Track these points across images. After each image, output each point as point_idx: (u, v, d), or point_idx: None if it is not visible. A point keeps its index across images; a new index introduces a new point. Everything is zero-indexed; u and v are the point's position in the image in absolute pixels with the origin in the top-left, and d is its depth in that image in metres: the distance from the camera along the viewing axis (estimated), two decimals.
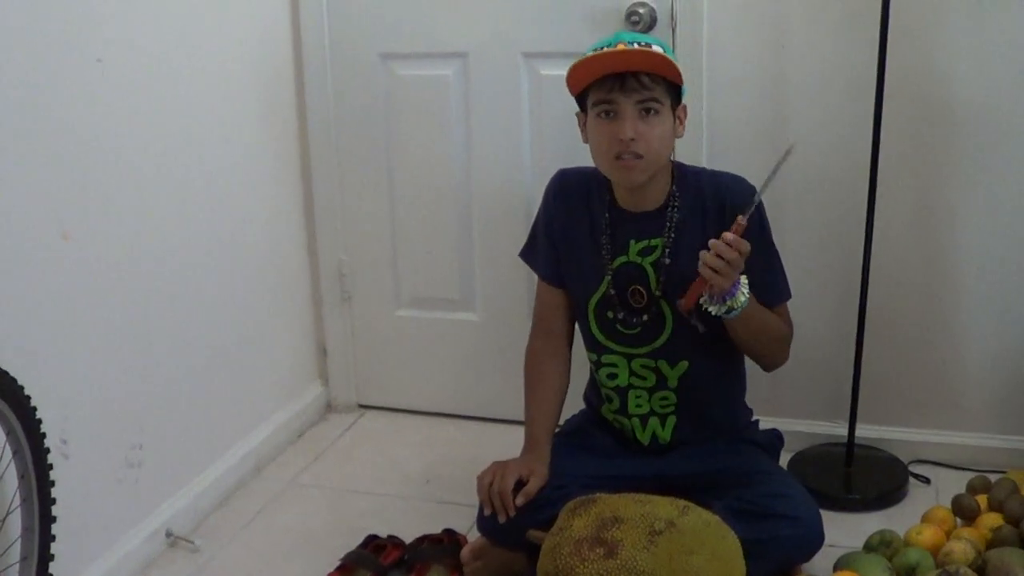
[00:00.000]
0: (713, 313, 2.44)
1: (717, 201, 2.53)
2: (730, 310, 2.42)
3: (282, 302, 3.42)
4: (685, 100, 2.52)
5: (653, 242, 2.56)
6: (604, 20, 3.07)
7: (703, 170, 2.65)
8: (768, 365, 2.65)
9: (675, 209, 2.54)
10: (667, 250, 2.54)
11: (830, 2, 2.93)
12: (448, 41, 3.28)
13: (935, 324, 3.07)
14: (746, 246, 2.34)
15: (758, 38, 3.01)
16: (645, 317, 2.57)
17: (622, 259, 2.58)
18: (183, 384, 2.92)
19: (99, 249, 2.58)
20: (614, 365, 2.64)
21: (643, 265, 2.57)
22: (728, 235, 2.33)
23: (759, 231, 2.52)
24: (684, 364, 2.59)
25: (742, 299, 2.41)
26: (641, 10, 3.01)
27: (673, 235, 2.54)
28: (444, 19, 3.27)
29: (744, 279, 2.41)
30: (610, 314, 2.60)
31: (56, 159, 2.44)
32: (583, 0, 3.10)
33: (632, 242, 2.57)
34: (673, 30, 3.02)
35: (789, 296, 2.64)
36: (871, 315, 2.95)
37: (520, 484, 2.50)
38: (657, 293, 2.56)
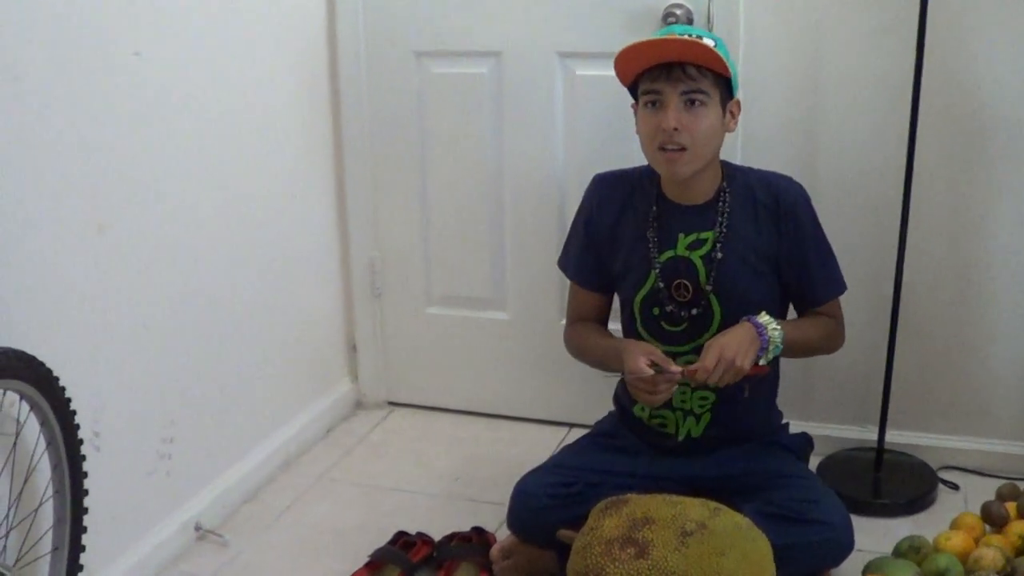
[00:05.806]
0: (765, 363, 2.46)
1: (770, 197, 2.54)
2: (776, 349, 2.44)
3: (313, 298, 3.44)
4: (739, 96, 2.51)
5: (703, 235, 2.55)
6: (640, 20, 3.07)
7: (750, 168, 2.64)
8: (825, 355, 2.70)
9: (726, 203, 2.54)
10: (718, 244, 2.53)
11: (867, 6, 2.92)
12: (483, 40, 3.28)
13: (966, 331, 3.06)
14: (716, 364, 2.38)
15: (795, 40, 3.00)
16: (695, 311, 2.56)
17: (669, 253, 2.57)
18: (214, 378, 2.93)
19: (134, 243, 2.60)
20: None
21: (692, 259, 2.55)
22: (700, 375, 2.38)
23: (812, 228, 2.56)
24: None
25: (777, 338, 2.43)
26: (678, 11, 3.00)
27: (725, 229, 2.53)
28: (479, 18, 3.26)
29: (763, 319, 2.44)
30: (656, 310, 2.58)
31: (93, 153, 2.45)
32: (619, 0, 3.10)
33: (681, 236, 2.56)
34: (709, 31, 3.00)
35: (844, 288, 2.64)
36: (903, 321, 2.94)
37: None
38: (708, 288, 2.54)
